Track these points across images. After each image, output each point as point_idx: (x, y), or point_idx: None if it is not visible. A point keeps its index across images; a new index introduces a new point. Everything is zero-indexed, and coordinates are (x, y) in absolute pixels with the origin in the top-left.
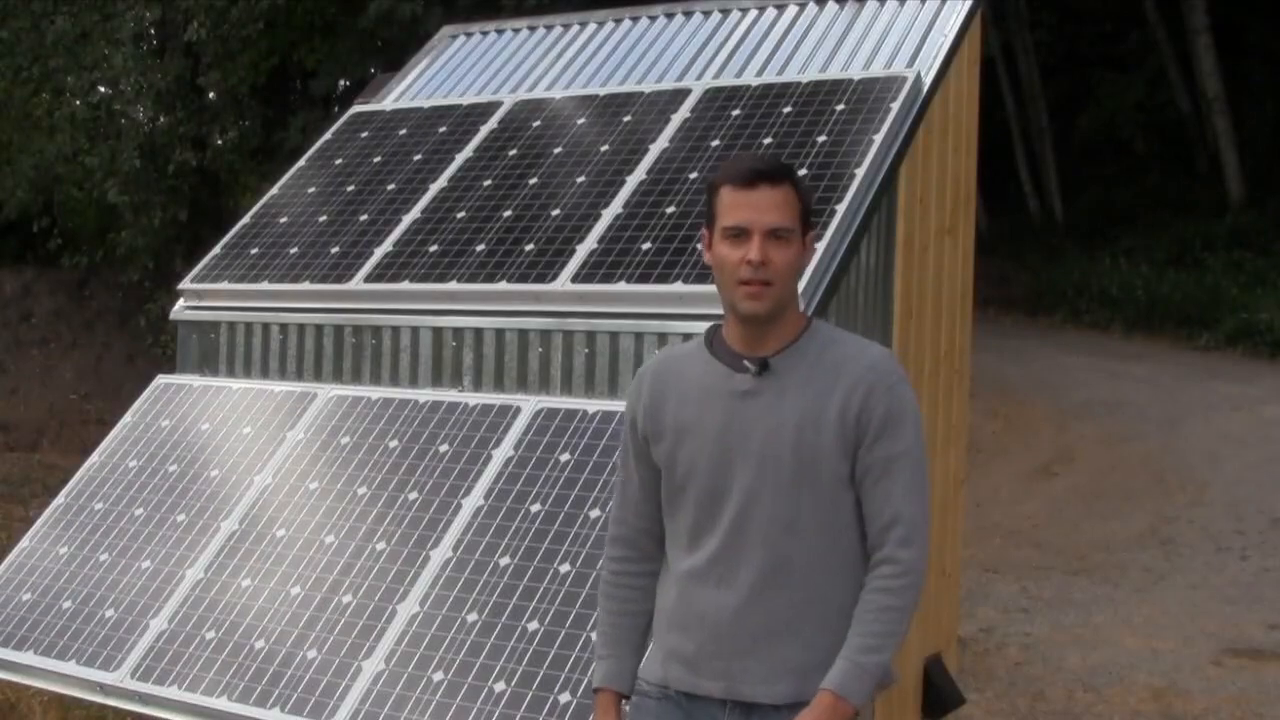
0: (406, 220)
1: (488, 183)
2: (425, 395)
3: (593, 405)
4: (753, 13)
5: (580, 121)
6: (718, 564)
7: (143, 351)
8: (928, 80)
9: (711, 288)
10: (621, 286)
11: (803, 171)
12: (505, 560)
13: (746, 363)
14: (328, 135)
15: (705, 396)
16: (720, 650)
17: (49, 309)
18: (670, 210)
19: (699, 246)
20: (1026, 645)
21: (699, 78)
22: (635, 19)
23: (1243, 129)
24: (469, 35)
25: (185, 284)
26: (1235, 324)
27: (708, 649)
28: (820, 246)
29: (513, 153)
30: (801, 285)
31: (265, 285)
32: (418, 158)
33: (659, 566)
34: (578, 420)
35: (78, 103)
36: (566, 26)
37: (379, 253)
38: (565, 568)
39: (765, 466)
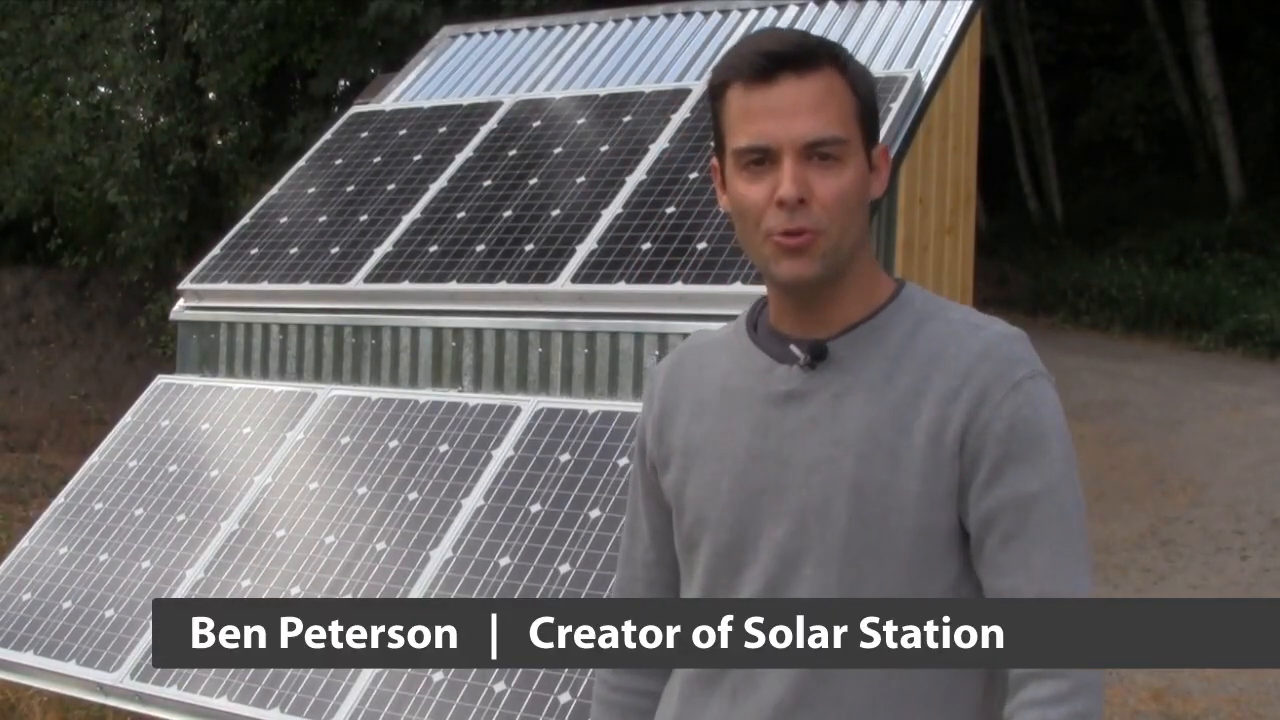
0: (406, 220)
1: (488, 183)
2: (425, 395)
3: (593, 405)
4: (753, 13)
5: (580, 122)
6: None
7: (143, 352)
8: (928, 80)
9: (714, 287)
10: (621, 287)
11: None
12: (505, 560)
13: (793, 348)
14: (327, 135)
15: (731, 402)
16: None
17: (49, 309)
18: (670, 210)
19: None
20: None
21: (699, 78)
22: (635, 19)
23: (1243, 129)
24: (469, 35)
25: (185, 284)
26: (1235, 324)
27: None
28: None
29: (513, 153)
30: None
31: (265, 285)
32: (418, 158)
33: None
34: (578, 420)
35: (77, 103)
36: (566, 26)
37: (379, 253)
38: (565, 568)
39: (808, 516)
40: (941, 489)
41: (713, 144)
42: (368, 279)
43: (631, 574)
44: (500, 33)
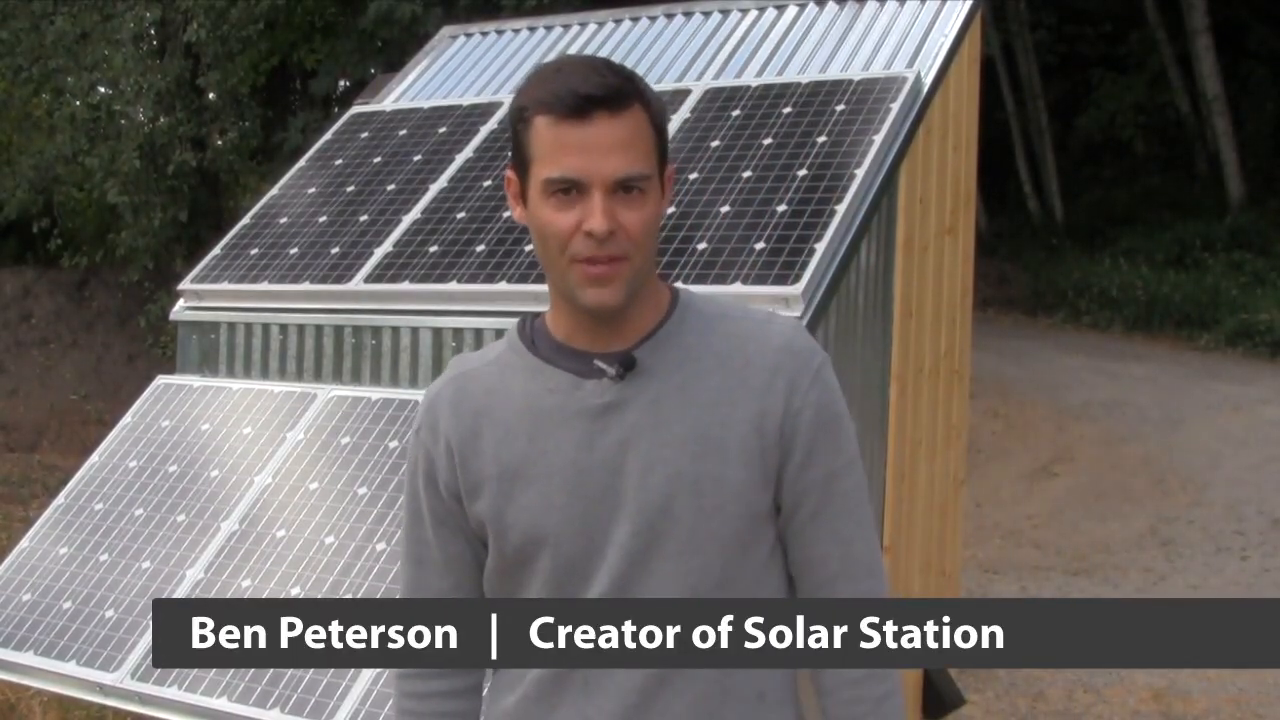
0: (406, 221)
1: (488, 183)
2: None
3: None
4: (753, 13)
5: None
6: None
7: (143, 352)
8: (928, 80)
9: (714, 288)
10: None
11: (802, 172)
12: None
13: (600, 363)
14: (328, 135)
15: (542, 421)
16: None
17: (49, 309)
18: (669, 211)
19: (508, 204)
20: None
21: (699, 78)
22: (635, 19)
23: (1243, 129)
24: (469, 36)
25: (185, 284)
26: (1235, 324)
27: None
28: (820, 247)
29: None
30: (800, 285)
31: (265, 285)
32: (418, 158)
33: (479, 680)
34: None
35: (78, 103)
36: (566, 26)
37: (379, 253)
38: None
39: (652, 515)
40: (763, 474)
41: (510, 157)
42: (368, 279)
43: (434, 591)
44: (500, 33)
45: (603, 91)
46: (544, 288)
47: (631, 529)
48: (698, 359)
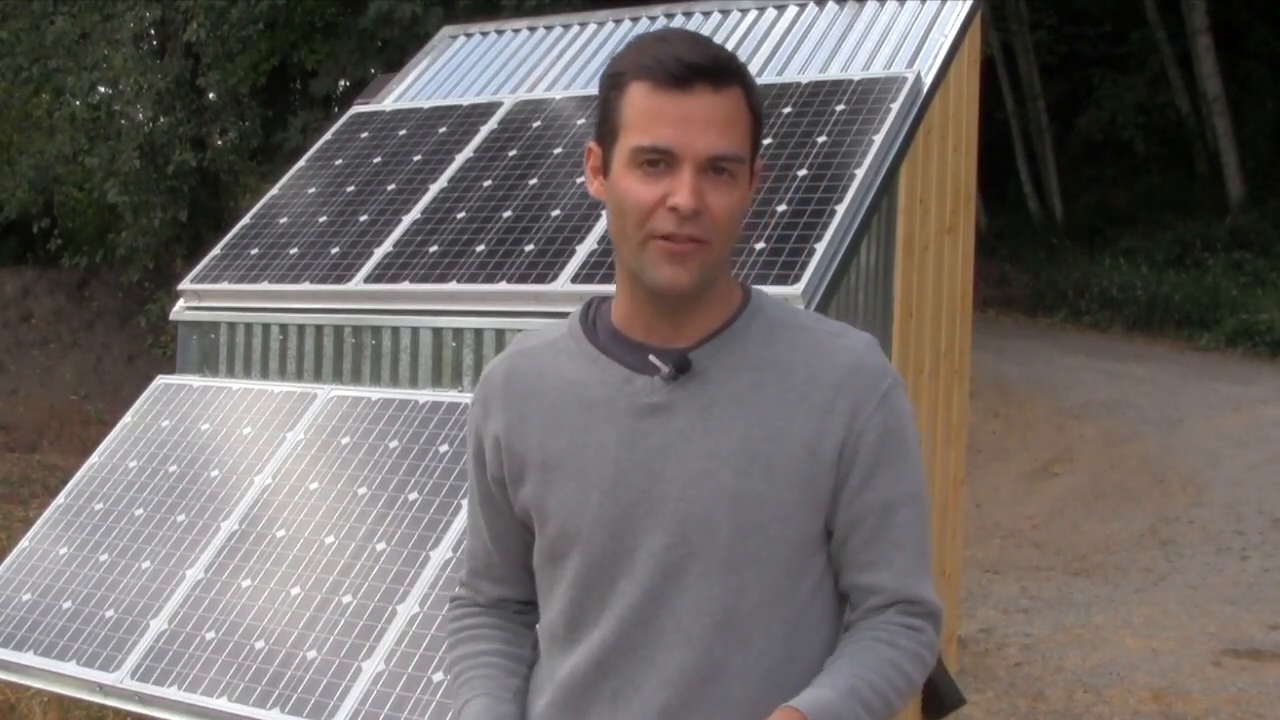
0: (406, 220)
1: (488, 183)
2: (425, 395)
3: None
4: (753, 13)
5: (580, 122)
6: (611, 670)
7: (143, 352)
8: (928, 80)
9: None
10: None
11: (802, 172)
12: None
13: (654, 360)
14: (328, 135)
15: (589, 412)
16: None
17: (49, 309)
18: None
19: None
20: (1026, 645)
21: None
22: (635, 19)
23: (1243, 129)
24: (469, 36)
25: (185, 284)
26: (1235, 324)
27: None
28: (820, 247)
29: (513, 153)
30: (800, 286)
31: (265, 285)
32: (418, 158)
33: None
34: None
35: (77, 103)
36: (566, 26)
37: (379, 253)
38: None
39: (688, 528)
40: (817, 497)
41: (596, 128)
42: (368, 279)
43: (479, 560)
44: (500, 33)
45: (707, 62)
46: (543, 288)
47: (666, 540)
48: (757, 368)
